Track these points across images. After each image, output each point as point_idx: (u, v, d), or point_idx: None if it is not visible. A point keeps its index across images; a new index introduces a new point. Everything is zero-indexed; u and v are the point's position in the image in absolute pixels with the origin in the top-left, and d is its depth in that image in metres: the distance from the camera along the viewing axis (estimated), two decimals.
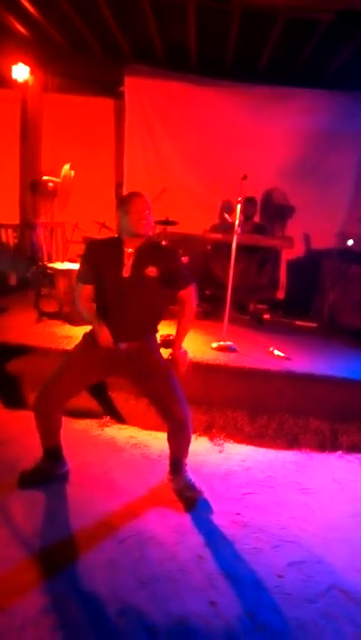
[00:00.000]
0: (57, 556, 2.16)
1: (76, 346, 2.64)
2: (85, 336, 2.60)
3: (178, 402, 2.51)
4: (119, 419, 3.49)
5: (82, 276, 2.55)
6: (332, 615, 1.95)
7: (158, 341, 3.41)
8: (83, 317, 2.63)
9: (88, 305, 2.55)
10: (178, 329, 2.59)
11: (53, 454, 2.68)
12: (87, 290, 2.54)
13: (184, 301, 2.55)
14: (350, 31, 4.34)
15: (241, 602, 1.98)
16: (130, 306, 2.45)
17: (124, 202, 2.42)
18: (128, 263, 2.41)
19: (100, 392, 3.59)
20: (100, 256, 2.45)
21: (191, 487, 2.62)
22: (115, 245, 2.44)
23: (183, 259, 5.23)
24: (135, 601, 1.94)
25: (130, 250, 2.42)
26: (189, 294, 2.54)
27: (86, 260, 2.50)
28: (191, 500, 2.57)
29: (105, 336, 2.46)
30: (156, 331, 2.65)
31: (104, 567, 2.10)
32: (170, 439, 2.62)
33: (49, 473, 2.66)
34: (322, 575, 2.16)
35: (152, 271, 2.40)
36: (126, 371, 2.61)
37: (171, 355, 2.60)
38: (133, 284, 2.41)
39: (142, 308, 2.48)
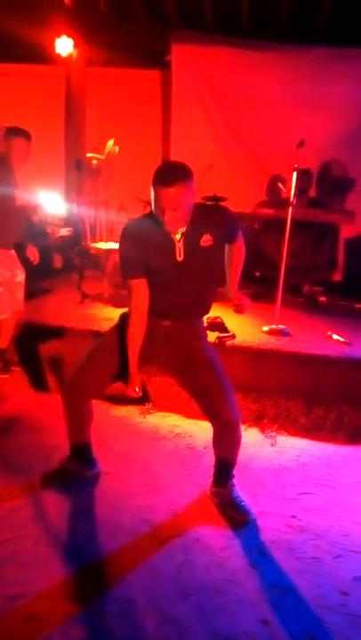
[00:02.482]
0: (91, 555, 1.96)
1: (111, 328, 2.29)
2: (122, 317, 2.26)
3: (225, 398, 2.11)
4: (162, 406, 3.25)
5: (132, 268, 2.06)
6: None
7: (207, 323, 3.14)
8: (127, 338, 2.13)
9: (140, 326, 2.10)
10: (232, 269, 2.32)
11: (82, 453, 2.39)
12: (143, 286, 2.08)
13: (234, 246, 2.27)
14: None
15: (299, 622, 1.70)
16: (183, 289, 2.12)
17: (152, 183, 1.93)
18: (179, 243, 2.04)
19: (142, 376, 3.37)
20: (144, 242, 2.04)
21: (237, 507, 2.21)
22: (156, 225, 2.00)
23: None
24: (177, 613, 1.70)
25: (180, 231, 2.03)
26: (239, 240, 2.26)
27: (130, 248, 2.05)
28: (236, 523, 2.16)
29: (135, 385, 2.14)
30: (207, 312, 2.31)
31: (143, 572, 1.87)
32: (215, 442, 2.23)
33: (75, 475, 2.38)
34: None
35: (207, 240, 2.05)
36: (167, 358, 2.27)
37: (230, 296, 2.37)
38: (189, 265, 2.06)
39: (197, 288, 2.15)
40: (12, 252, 3.36)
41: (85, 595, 1.76)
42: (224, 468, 2.27)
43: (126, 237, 2.07)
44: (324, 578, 1.90)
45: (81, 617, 1.66)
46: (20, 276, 3.43)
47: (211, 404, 2.15)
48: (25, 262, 3.44)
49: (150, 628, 1.64)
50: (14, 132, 3.18)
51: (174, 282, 2.11)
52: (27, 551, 1.94)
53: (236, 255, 2.29)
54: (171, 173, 1.92)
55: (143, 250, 2.04)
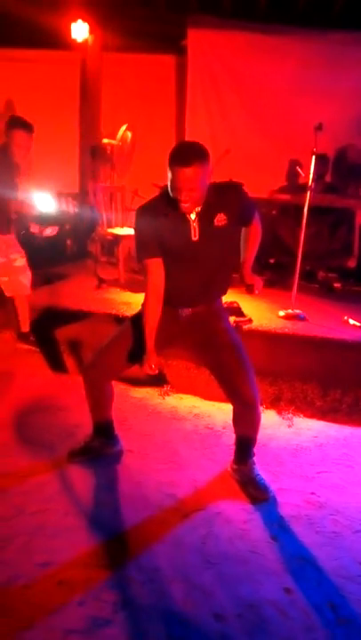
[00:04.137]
0: (117, 527, 2.03)
1: (134, 315, 2.34)
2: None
3: (246, 378, 2.15)
4: (180, 388, 3.31)
5: (147, 248, 2.09)
6: None
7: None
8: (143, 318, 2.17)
9: (156, 305, 2.13)
10: (247, 249, 2.28)
11: (105, 431, 2.46)
12: (159, 266, 2.10)
13: (250, 227, 2.25)
14: None
15: (321, 591, 1.76)
16: (200, 270, 2.14)
17: (169, 163, 1.91)
18: (194, 223, 2.05)
19: (159, 358, 3.43)
20: (160, 222, 2.05)
21: (258, 485, 2.27)
22: (171, 205, 2.00)
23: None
24: (202, 582, 1.77)
25: (195, 210, 2.03)
26: (255, 221, 2.23)
27: (145, 228, 2.08)
28: (257, 500, 2.22)
29: (151, 362, 2.15)
30: (225, 293, 2.35)
31: (168, 543, 1.94)
32: (235, 421, 2.27)
33: (99, 452, 2.46)
34: None
35: (221, 219, 2.05)
36: (190, 340, 2.33)
37: (243, 276, 2.32)
38: (204, 245, 2.08)
39: (213, 268, 2.16)
40: (8, 236, 3.35)
41: (114, 563, 1.83)
42: (244, 447, 2.32)
43: (141, 218, 2.09)
44: (343, 550, 1.95)
45: (110, 583, 1.73)
46: (20, 261, 3.41)
47: (231, 384, 2.19)
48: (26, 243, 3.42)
49: (178, 595, 1.70)
50: (15, 123, 3.14)
51: (190, 262, 2.13)
52: (55, 522, 2.02)
53: (252, 236, 2.27)
54: (188, 153, 1.91)
55: (159, 230, 2.06)
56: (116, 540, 1.95)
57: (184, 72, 5.60)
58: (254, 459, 2.34)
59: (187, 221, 2.05)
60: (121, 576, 1.77)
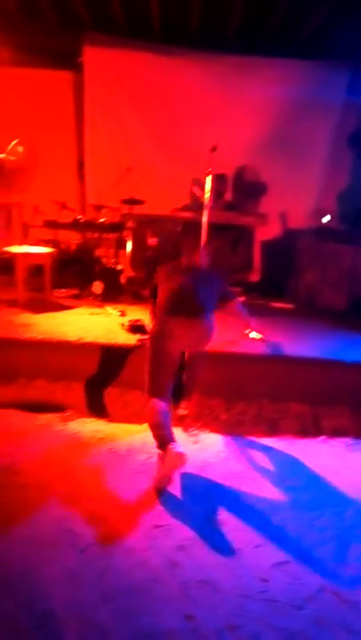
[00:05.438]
0: (5, 569, 1.87)
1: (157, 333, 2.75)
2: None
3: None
4: (84, 412, 3.19)
5: None
6: (323, 622, 1.72)
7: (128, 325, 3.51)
8: None
9: None
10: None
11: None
12: None
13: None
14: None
15: (221, 613, 1.73)
16: None
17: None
18: None
19: (61, 383, 3.30)
20: None
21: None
22: None
23: (151, 240, 4.98)
24: (99, 618, 1.67)
25: None
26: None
27: None
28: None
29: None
30: None
31: (62, 581, 1.82)
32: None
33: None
34: (310, 576, 1.93)
35: None
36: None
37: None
38: None
39: None
40: None
41: (2, 614, 1.67)
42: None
43: None
44: (243, 568, 1.94)
45: None
46: None
47: None
48: None
49: (71, 637, 1.59)
50: None
51: None
52: None
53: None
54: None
55: None
56: (5, 587, 1.80)
57: (82, 88, 5.54)
58: (158, 450, 2.48)
59: None
60: (10, 627, 1.62)
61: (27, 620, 1.64)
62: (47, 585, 1.80)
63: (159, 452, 2.49)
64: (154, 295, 3.00)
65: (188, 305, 2.76)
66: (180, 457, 2.37)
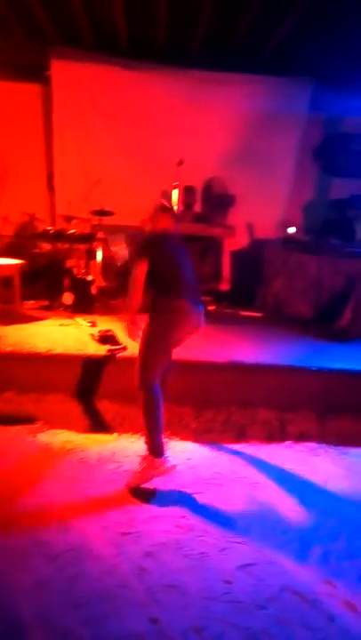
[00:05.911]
0: None
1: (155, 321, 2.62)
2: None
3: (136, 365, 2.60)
4: (54, 423, 3.20)
5: None
6: (284, 621, 1.80)
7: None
8: None
9: None
10: None
11: (162, 449, 2.57)
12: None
13: None
14: (277, 16, 4.23)
15: (186, 615, 1.79)
16: None
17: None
18: None
19: (31, 395, 3.32)
20: None
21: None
22: None
23: (122, 251, 5.05)
24: (67, 624, 1.71)
25: None
26: None
27: None
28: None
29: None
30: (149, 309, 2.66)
31: (33, 590, 1.85)
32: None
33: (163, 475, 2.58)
34: (273, 577, 2.00)
35: None
36: None
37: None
38: None
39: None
40: None
41: None
42: None
43: None
44: (209, 571, 2.00)
45: None
46: None
47: None
48: None
49: None
50: None
51: None
52: None
53: None
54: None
55: None
56: None
57: (50, 101, 5.58)
58: (148, 453, 2.54)
59: None
60: None
61: None
62: (17, 593, 1.82)
63: (146, 454, 2.53)
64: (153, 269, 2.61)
65: (196, 288, 2.76)
66: (170, 470, 2.46)
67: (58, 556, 2.04)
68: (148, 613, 1.78)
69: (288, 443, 3.21)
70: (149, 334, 2.58)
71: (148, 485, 2.53)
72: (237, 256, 5.74)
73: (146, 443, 2.57)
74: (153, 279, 2.61)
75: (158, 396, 2.56)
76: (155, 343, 2.60)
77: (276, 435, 3.31)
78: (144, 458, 2.56)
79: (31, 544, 2.09)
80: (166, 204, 4.66)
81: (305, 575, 2.04)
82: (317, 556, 2.16)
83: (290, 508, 2.49)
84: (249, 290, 5.50)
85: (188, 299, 2.62)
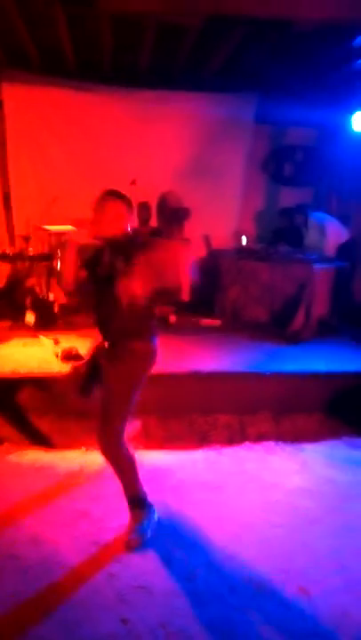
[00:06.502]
0: None
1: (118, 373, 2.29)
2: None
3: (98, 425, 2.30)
4: (21, 442, 3.30)
5: None
6: (242, 609, 1.98)
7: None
8: None
9: None
10: None
11: (145, 500, 2.39)
12: None
13: None
14: (220, 35, 4.46)
15: (153, 613, 1.94)
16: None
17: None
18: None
19: None
20: None
21: (132, 532, 2.32)
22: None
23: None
24: (42, 632, 1.84)
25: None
26: None
27: None
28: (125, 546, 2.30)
29: None
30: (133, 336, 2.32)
31: (6, 601, 1.97)
32: None
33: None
34: (234, 571, 2.18)
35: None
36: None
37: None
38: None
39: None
40: None
41: None
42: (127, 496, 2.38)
43: None
44: (174, 571, 2.17)
45: None
46: None
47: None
48: None
49: None
50: None
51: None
52: None
53: None
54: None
55: None
56: None
57: (3, 123, 5.64)
58: (144, 510, 2.37)
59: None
60: None
61: None
62: None
63: (135, 510, 2.34)
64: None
65: None
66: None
67: (29, 569, 2.16)
68: (118, 615, 1.93)
69: (247, 444, 3.41)
70: (117, 391, 2.26)
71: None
72: (199, 267, 5.92)
73: (129, 498, 2.36)
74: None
75: (129, 453, 2.34)
76: (124, 401, 2.27)
77: (236, 437, 3.51)
78: (134, 516, 2.35)
79: (4, 557, 2.21)
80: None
81: (262, 567, 2.21)
82: (274, 548, 2.35)
83: (250, 507, 2.68)
84: (208, 299, 5.70)
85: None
